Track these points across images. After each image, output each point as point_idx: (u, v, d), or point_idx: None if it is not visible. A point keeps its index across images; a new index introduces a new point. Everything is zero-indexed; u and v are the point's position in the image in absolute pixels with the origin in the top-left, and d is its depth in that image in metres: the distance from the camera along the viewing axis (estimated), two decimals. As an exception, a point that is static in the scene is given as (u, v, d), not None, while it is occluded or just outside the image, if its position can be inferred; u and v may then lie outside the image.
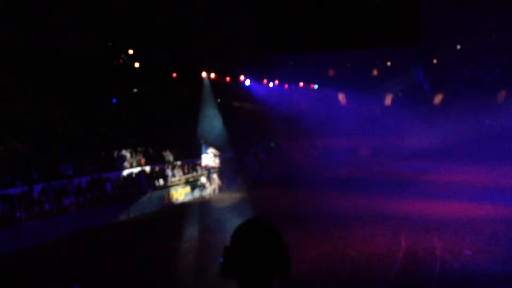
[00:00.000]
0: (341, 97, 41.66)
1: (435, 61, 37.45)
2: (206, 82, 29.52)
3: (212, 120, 27.87)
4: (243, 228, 2.15)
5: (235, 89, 33.73)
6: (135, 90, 24.62)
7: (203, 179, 23.79)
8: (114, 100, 24.68)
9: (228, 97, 34.07)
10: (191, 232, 16.34)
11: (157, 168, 23.51)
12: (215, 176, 24.09)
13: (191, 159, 25.57)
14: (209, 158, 23.73)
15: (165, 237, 16.04)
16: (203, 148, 23.78)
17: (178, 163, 24.47)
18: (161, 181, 22.70)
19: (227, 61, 28.59)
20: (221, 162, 24.84)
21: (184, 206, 21.68)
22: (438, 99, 40.21)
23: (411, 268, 12.21)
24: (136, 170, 22.45)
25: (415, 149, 33.80)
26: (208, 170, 23.90)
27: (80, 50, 20.21)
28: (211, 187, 23.83)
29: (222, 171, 25.09)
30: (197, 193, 23.56)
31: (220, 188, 24.30)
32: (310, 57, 30.09)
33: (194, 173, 24.33)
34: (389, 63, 37.11)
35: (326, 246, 14.40)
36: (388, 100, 41.47)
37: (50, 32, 19.20)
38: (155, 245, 15.11)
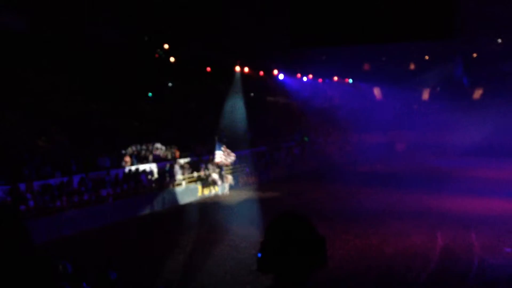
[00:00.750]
0: (377, 91, 41.05)
1: (475, 55, 36.35)
2: (237, 76, 29.53)
3: (236, 115, 27.81)
4: (277, 222, 2.14)
5: (269, 83, 33.72)
6: (170, 84, 24.87)
7: (214, 176, 23.02)
8: (150, 95, 25.02)
9: (262, 91, 34.10)
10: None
11: (189, 161, 23.73)
12: (227, 174, 23.35)
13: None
14: (222, 155, 22.57)
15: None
16: (216, 145, 22.63)
17: (184, 161, 24.05)
18: (195, 174, 22.92)
19: (260, 55, 28.57)
20: (237, 159, 24.07)
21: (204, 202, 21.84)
22: (477, 94, 39.10)
23: (447, 265, 12.00)
24: (170, 163, 22.77)
25: (453, 145, 32.97)
26: (220, 168, 23.14)
27: (116, 45, 20.60)
28: (223, 184, 23.19)
29: (237, 169, 24.73)
30: (207, 190, 22.89)
31: (232, 186, 23.56)
32: (345, 51, 29.76)
33: (207, 171, 23.76)
34: (427, 57, 36.21)
35: (360, 241, 14.26)
36: (425, 94, 40.58)
37: (86, 26, 19.61)
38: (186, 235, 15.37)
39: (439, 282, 10.97)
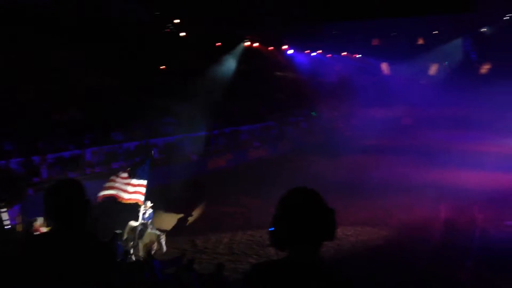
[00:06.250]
0: (385, 66, 40.89)
1: (483, 30, 35.98)
2: (239, 49, 29.09)
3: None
4: (289, 197, 2.17)
5: (278, 58, 33.65)
6: (180, 59, 24.86)
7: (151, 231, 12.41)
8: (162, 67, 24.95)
9: (271, 66, 34.04)
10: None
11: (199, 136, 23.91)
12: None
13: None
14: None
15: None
16: (146, 165, 12.23)
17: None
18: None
19: (270, 30, 28.44)
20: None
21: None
22: (485, 69, 38.78)
23: (451, 238, 12.30)
24: (180, 136, 22.95)
25: (460, 119, 32.86)
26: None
27: (129, 19, 20.70)
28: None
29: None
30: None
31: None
32: (354, 26, 29.57)
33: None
34: (435, 32, 35.90)
35: (364, 214, 14.57)
36: (433, 69, 40.36)
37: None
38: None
39: (442, 254, 11.27)
